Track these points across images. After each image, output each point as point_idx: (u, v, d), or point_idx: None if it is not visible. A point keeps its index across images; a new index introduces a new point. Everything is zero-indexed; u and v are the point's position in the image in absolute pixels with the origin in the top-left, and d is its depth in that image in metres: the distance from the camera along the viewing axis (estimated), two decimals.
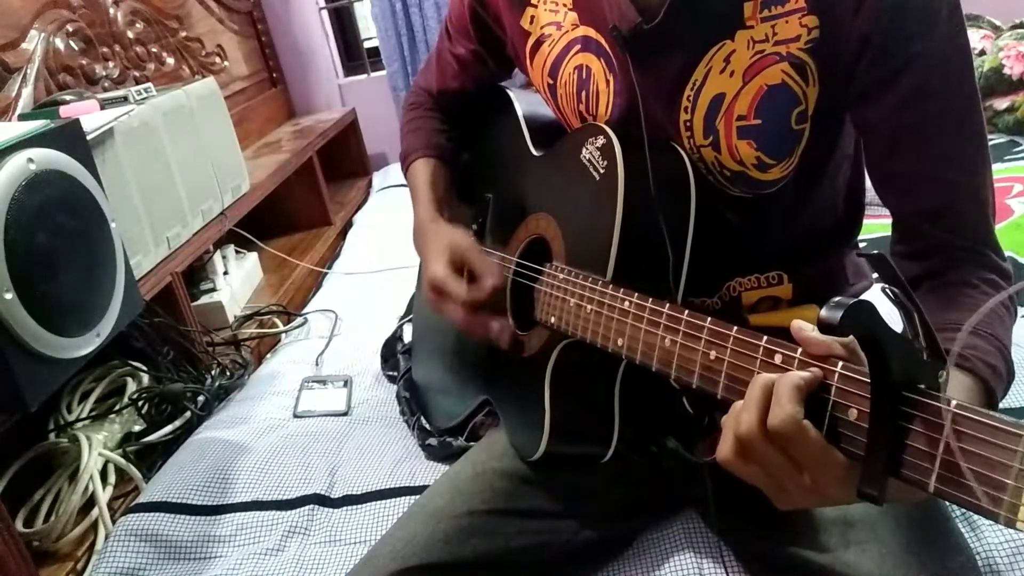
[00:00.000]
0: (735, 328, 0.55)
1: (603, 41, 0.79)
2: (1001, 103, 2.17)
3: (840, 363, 0.47)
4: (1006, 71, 2.17)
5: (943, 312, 0.63)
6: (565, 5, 0.82)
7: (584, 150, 0.77)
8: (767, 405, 0.49)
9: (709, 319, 0.57)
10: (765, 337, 0.52)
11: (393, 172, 2.81)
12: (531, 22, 0.86)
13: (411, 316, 1.46)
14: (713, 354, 0.56)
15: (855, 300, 0.42)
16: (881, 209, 0.74)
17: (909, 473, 0.43)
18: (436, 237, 0.91)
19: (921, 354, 0.43)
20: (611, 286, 0.69)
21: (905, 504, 0.52)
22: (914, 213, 0.70)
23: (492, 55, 0.98)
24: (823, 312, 0.42)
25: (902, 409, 0.43)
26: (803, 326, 0.49)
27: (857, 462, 0.45)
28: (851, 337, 0.47)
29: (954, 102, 0.66)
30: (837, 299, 0.42)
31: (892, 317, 0.43)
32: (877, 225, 1.10)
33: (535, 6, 0.86)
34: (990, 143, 0.69)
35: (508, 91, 1.02)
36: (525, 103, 0.98)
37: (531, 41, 0.87)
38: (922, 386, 0.43)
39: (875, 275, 0.45)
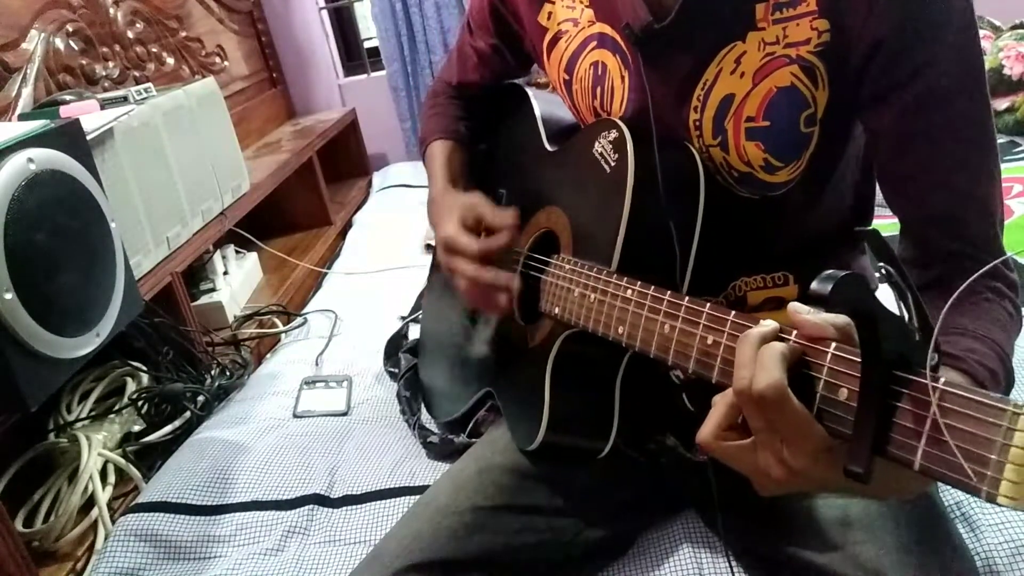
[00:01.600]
0: (732, 313, 0.55)
1: (618, 38, 0.79)
2: (1001, 103, 2.17)
3: (833, 344, 0.47)
4: (1006, 71, 2.17)
5: (948, 317, 0.63)
6: (582, 2, 0.83)
7: (597, 144, 0.78)
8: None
9: (708, 305, 0.58)
10: (761, 320, 0.53)
11: (393, 172, 2.81)
12: (548, 18, 0.87)
13: (417, 314, 1.47)
14: (711, 339, 0.56)
15: (846, 272, 0.42)
16: (888, 208, 0.74)
17: (895, 451, 0.43)
18: (447, 204, 0.93)
19: (913, 334, 0.43)
20: (615, 275, 0.70)
21: (894, 494, 0.52)
22: (921, 219, 0.69)
23: (510, 49, 0.98)
24: (814, 284, 0.42)
25: (891, 387, 0.43)
26: (798, 308, 0.49)
27: (846, 441, 0.45)
28: (846, 320, 0.48)
29: (965, 109, 0.65)
30: (828, 272, 0.42)
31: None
32: (883, 225, 1.10)
33: (552, 2, 0.86)
34: (998, 148, 0.69)
35: (526, 89, 1.02)
36: (543, 101, 0.99)
37: (548, 37, 0.87)
38: (914, 366, 0.43)
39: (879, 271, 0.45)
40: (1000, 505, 0.38)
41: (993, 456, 0.38)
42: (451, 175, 1.01)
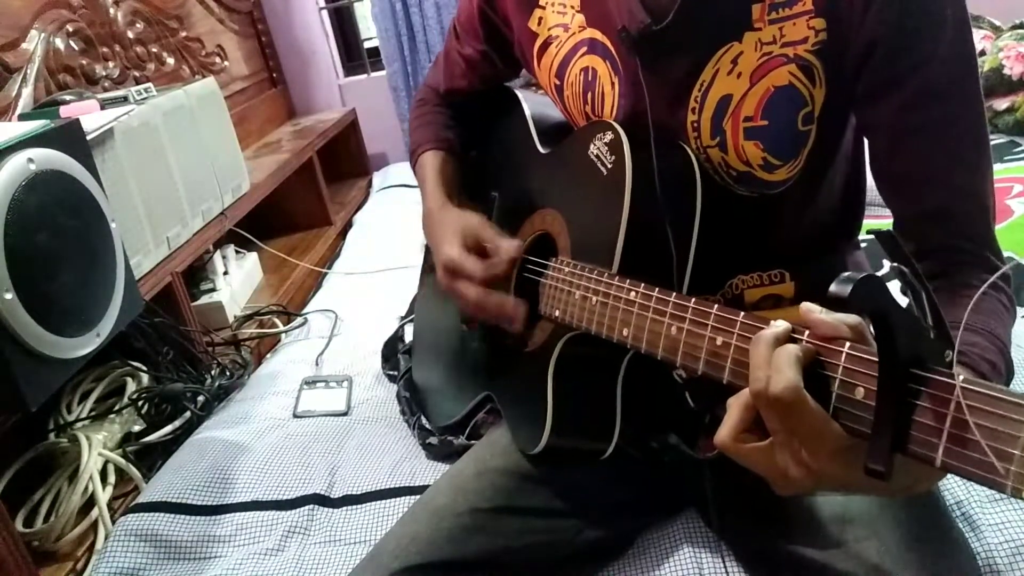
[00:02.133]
0: (742, 313, 0.55)
1: (609, 43, 0.79)
2: (1001, 103, 2.17)
3: (848, 344, 0.47)
4: (1006, 71, 2.17)
5: (947, 312, 0.63)
6: (573, 7, 0.83)
7: (592, 146, 0.78)
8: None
9: (716, 306, 0.58)
10: (771, 320, 0.53)
11: (393, 172, 2.81)
12: (539, 23, 0.87)
13: (412, 317, 1.47)
14: (720, 340, 0.56)
15: (865, 275, 0.42)
16: (882, 209, 0.74)
17: (916, 448, 0.43)
18: (446, 222, 0.92)
19: (928, 333, 0.44)
20: (617, 277, 0.70)
21: (907, 491, 0.53)
22: (916, 215, 0.70)
23: (500, 55, 0.98)
24: (833, 287, 0.42)
25: (909, 386, 0.43)
26: (811, 308, 0.50)
27: (863, 440, 0.46)
28: (858, 319, 0.48)
29: (959, 105, 0.66)
30: (847, 274, 0.42)
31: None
32: (874, 223, 1.10)
33: (543, 8, 0.86)
34: (990, 143, 0.69)
35: (516, 91, 1.02)
36: (533, 103, 0.99)
37: (538, 42, 0.87)
38: (929, 364, 0.44)
39: (884, 261, 0.46)
40: None
41: (1017, 452, 0.39)
42: (445, 188, 1.00)
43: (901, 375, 0.43)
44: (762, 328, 0.52)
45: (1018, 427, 0.39)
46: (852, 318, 0.48)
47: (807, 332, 0.50)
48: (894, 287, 0.44)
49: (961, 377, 0.42)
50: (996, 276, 0.66)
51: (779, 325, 0.51)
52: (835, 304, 0.43)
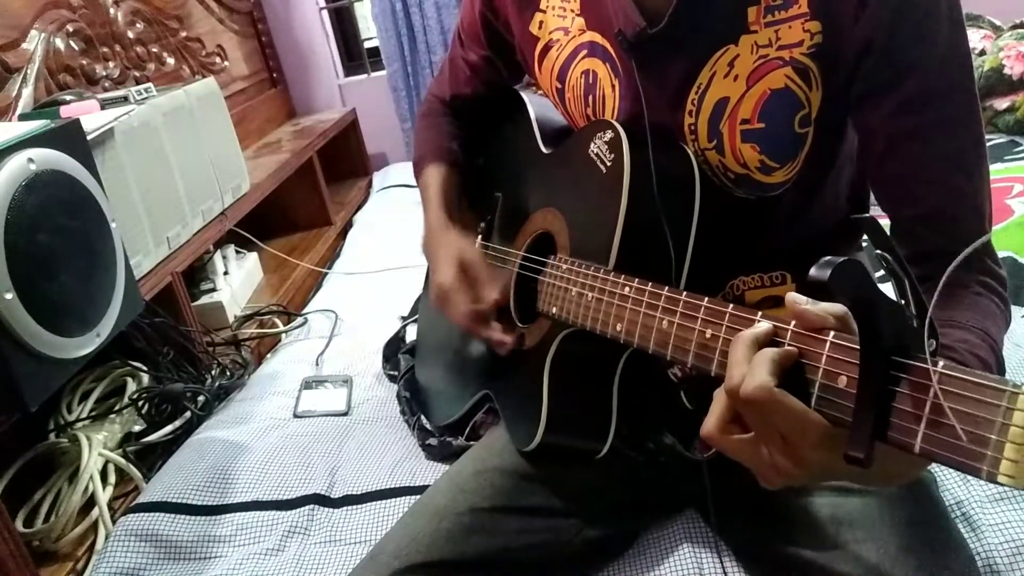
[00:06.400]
0: (731, 306, 0.56)
1: (608, 46, 0.80)
2: (1001, 103, 2.17)
3: (832, 333, 0.48)
4: (1006, 71, 2.17)
5: (940, 311, 0.63)
6: (572, 11, 0.83)
7: (592, 145, 0.78)
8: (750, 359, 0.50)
9: (706, 299, 0.58)
10: (760, 312, 0.53)
11: (393, 172, 2.81)
12: (539, 27, 0.87)
13: (415, 317, 1.47)
14: (709, 332, 0.57)
15: (845, 259, 0.42)
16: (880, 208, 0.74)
17: (895, 435, 0.43)
18: (446, 245, 0.95)
19: (911, 320, 0.44)
20: (612, 273, 0.70)
21: (894, 479, 0.53)
22: (911, 217, 0.70)
23: (503, 60, 0.99)
24: (813, 271, 0.42)
25: (890, 373, 0.44)
26: (797, 299, 0.50)
27: (845, 428, 0.46)
28: (843, 309, 0.48)
29: (954, 107, 0.66)
30: (827, 258, 0.42)
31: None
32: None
33: (543, 12, 0.86)
34: (990, 143, 0.69)
35: (521, 93, 1.03)
36: (537, 105, 0.99)
37: (539, 46, 0.87)
38: (912, 352, 0.44)
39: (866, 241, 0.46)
40: (1001, 484, 0.39)
41: (993, 436, 0.39)
42: (446, 206, 1.01)
43: (882, 362, 0.44)
44: (751, 319, 0.53)
45: (994, 411, 0.39)
46: (838, 308, 0.48)
47: (793, 322, 0.50)
48: (892, 289, 0.45)
49: (940, 364, 0.42)
50: (970, 249, 0.66)
51: (761, 326, 0.52)
52: (816, 288, 0.43)
